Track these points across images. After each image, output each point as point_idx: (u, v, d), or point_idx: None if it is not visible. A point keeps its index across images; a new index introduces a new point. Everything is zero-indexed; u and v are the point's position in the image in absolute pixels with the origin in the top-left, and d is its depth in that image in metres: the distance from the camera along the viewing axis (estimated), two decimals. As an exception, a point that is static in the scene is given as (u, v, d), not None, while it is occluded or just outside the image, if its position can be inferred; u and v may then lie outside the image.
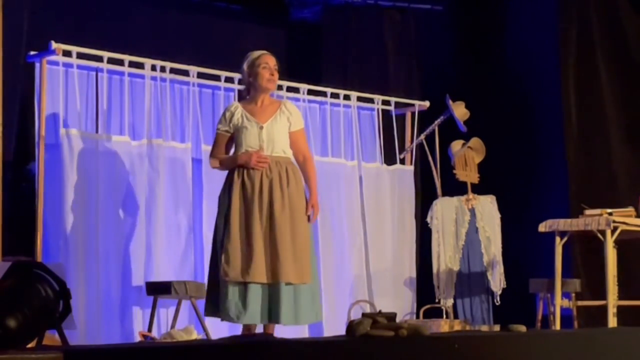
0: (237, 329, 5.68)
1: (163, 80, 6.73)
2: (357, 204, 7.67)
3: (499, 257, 7.32)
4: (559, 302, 6.80)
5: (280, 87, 7.08)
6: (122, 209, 6.42)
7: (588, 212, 6.76)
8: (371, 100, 7.97)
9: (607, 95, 8.30)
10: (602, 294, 6.67)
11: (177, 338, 5.43)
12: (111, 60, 6.46)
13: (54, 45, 6.13)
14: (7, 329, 3.86)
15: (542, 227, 6.81)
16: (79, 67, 6.36)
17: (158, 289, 6.16)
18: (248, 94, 5.77)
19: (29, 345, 4.08)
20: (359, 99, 7.89)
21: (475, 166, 7.48)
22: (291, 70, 7.46)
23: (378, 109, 7.98)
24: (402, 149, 7.96)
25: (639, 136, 8.31)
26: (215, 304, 5.49)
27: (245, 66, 5.71)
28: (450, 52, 8.96)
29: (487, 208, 7.39)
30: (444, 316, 7.25)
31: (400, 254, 7.86)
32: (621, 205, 7.00)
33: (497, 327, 6.75)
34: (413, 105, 8.11)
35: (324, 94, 7.66)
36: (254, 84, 5.69)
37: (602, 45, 8.33)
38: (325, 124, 7.67)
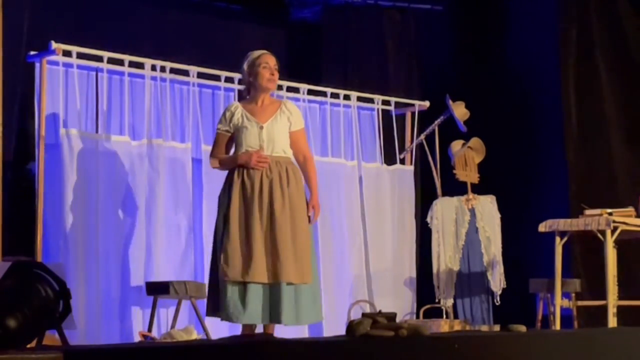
0: (237, 329, 5.68)
1: (163, 80, 6.73)
2: (357, 204, 7.67)
3: (499, 257, 7.32)
4: (559, 302, 6.80)
5: (280, 87, 7.08)
6: (122, 209, 6.42)
7: (588, 212, 6.76)
8: (371, 100, 7.97)
9: (607, 95, 8.30)
10: (602, 294, 6.67)
11: (177, 338, 5.43)
12: (111, 60, 6.46)
13: (54, 45, 6.13)
14: (7, 329, 3.86)
15: (542, 227, 6.81)
16: (79, 67, 6.36)
17: (158, 289, 6.16)
18: (248, 94, 5.77)
19: (29, 345, 4.08)
20: (359, 99, 7.89)
21: (475, 166, 7.48)
22: (291, 70, 7.47)
23: (378, 109, 7.98)
24: (402, 149, 7.96)
25: (639, 136, 8.31)
26: (215, 304, 5.49)
27: (245, 66, 5.71)
28: (450, 52, 8.96)
29: (487, 208, 7.39)
30: (444, 316, 7.25)
31: (400, 254, 7.86)
32: (621, 205, 7.00)
33: (497, 327, 6.75)
34: (413, 105, 8.11)
35: (324, 94, 7.66)
36: (254, 84, 5.68)
37: (602, 45, 8.33)
38: (325, 124, 7.67)
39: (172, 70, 6.76)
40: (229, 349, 3.99)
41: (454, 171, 7.38)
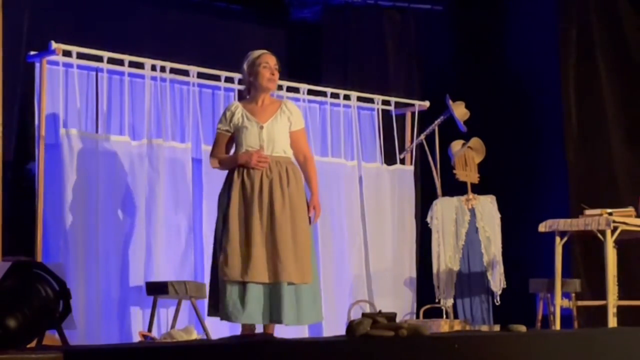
0: (237, 329, 5.68)
1: (163, 80, 6.73)
2: (357, 204, 7.67)
3: (499, 257, 7.32)
4: (559, 302, 6.80)
5: (280, 87, 7.08)
6: (122, 209, 6.42)
7: (588, 212, 6.76)
8: (371, 100, 7.97)
9: (607, 95, 8.30)
10: (602, 294, 6.67)
11: (177, 338, 5.43)
12: (111, 60, 6.46)
13: (54, 45, 6.13)
14: (7, 329, 3.86)
15: (542, 227, 6.81)
16: (79, 67, 6.36)
17: (158, 289, 6.16)
18: (248, 94, 5.76)
19: (29, 345, 4.08)
20: (359, 99, 7.89)
21: (475, 166, 7.48)
22: (291, 70, 7.47)
23: (378, 109, 7.98)
24: (402, 149, 7.96)
25: (639, 136, 8.31)
26: (216, 304, 5.49)
27: (245, 66, 5.71)
28: (450, 52, 8.96)
29: (487, 208, 7.39)
30: (444, 316, 7.25)
31: (400, 254, 7.86)
32: (621, 205, 7.00)
33: (497, 327, 6.75)
34: (413, 105, 8.11)
35: (324, 94, 7.66)
36: (255, 84, 5.68)
37: (602, 45, 8.33)
38: (325, 124, 7.67)
39: (172, 70, 6.76)
40: (229, 349, 3.99)
41: (454, 171, 7.38)
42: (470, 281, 7.38)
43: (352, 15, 8.63)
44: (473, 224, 7.38)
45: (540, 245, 7.41)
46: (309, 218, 5.62)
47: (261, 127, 5.59)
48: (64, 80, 6.31)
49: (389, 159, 7.98)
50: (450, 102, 7.36)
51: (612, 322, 6.60)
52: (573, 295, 7.36)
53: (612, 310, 6.59)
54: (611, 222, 6.57)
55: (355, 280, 7.52)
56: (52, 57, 6.19)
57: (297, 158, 5.71)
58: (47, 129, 6.18)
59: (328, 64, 8.53)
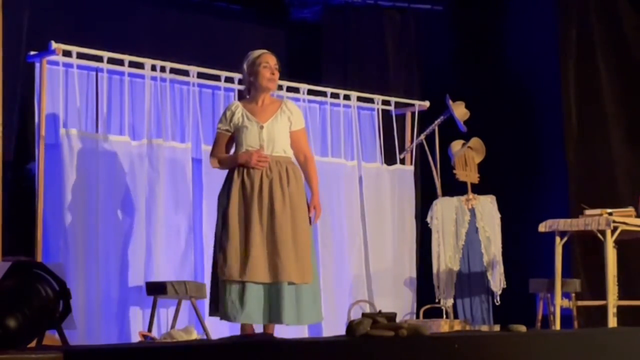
0: (238, 329, 5.68)
1: (163, 80, 6.72)
2: (357, 204, 7.67)
3: (499, 257, 7.32)
4: (559, 302, 6.80)
5: (280, 87, 7.08)
6: (122, 209, 6.42)
7: (588, 212, 6.76)
8: (371, 100, 7.97)
9: (607, 95, 8.30)
10: (602, 294, 6.67)
11: (177, 338, 5.43)
12: (111, 60, 6.46)
13: (54, 45, 6.13)
14: (7, 329, 3.85)
15: (542, 227, 6.81)
16: (79, 67, 6.36)
17: (158, 289, 6.16)
18: (248, 94, 5.76)
19: (29, 345, 4.08)
20: (359, 99, 7.89)
21: (475, 166, 7.48)
22: (291, 70, 7.46)
23: (378, 109, 7.98)
24: (402, 149, 7.96)
25: (639, 136, 8.31)
26: (216, 304, 5.50)
27: (245, 65, 5.71)
28: (450, 52, 8.96)
29: (487, 208, 7.39)
30: (444, 316, 7.25)
31: (400, 254, 7.86)
32: (621, 205, 7.00)
33: (497, 327, 6.75)
34: (413, 105, 8.11)
35: (324, 94, 7.66)
36: (255, 84, 5.68)
37: (602, 45, 8.33)
38: (325, 124, 7.67)
39: (172, 70, 6.76)
40: (229, 349, 3.99)
41: (454, 171, 7.38)
42: (470, 281, 7.38)
43: (352, 15, 8.63)
44: (473, 224, 7.38)
45: (540, 245, 7.41)
46: (310, 218, 5.61)
47: (261, 127, 5.59)
48: (64, 80, 6.31)
49: (389, 159, 7.97)
50: (450, 102, 7.36)
51: (612, 322, 6.60)
52: (573, 295, 7.36)
53: (612, 310, 6.59)
54: (611, 222, 6.57)
55: (355, 280, 7.52)
56: (52, 57, 6.19)
57: (298, 158, 5.71)
58: (47, 129, 6.18)
59: (328, 64, 8.53)
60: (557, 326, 6.82)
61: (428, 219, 7.50)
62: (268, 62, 5.66)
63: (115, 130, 6.52)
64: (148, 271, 6.43)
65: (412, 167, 8.04)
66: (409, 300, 7.81)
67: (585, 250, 7.80)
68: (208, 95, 7.05)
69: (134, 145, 6.51)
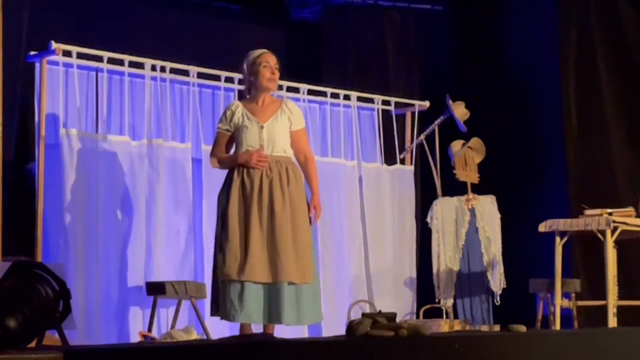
0: (238, 329, 5.68)
1: (163, 80, 6.72)
2: (357, 204, 7.67)
3: (499, 257, 7.32)
4: (559, 302, 6.80)
5: (280, 87, 7.07)
6: (122, 209, 6.42)
7: (588, 212, 6.76)
8: (371, 100, 7.97)
9: (607, 95, 8.30)
10: (602, 294, 6.67)
11: (177, 338, 5.43)
12: (111, 60, 6.46)
13: (54, 45, 6.13)
14: (7, 329, 3.85)
15: (542, 227, 6.81)
16: (79, 67, 6.36)
17: (158, 289, 6.16)
18: (249, 93, 5.76)
19: (29, 345, 4.07)
20: (359, 99, 7.89)
21: (475, 166, 7.48)
22: (291, 70, 7.46)
23: (378, 109, 7.98)
24: (402, 149, 7.96)
25: (639, 136, 8.31)
26: (216, 304, 5.50)
27: (245, 65, 5.70)
28: (450, 52, 8.95)
29: (487, 208, 7.39)
30: (444, 316, 7.25)
31: (400, 254, 7.86)
32: (621, 205, 7.00)
33: (497, 327, 6.75)
34: (413, 105, 8.11)
35: (324, 94, 7.66)
36: (255, 83, 5.68)
37: (602, 45, 8.33)
38: (325, 124, 7.67)
39: (172, 70, 6.76)
40: (229, 349, 3.99)
41: (454, 171, 7.38)
42: (470, 281, 7.38)
43: (352, 15, 8.63)
44: (473, 224, 7.38)
45: (540, 245, 7.40)
46: (310, 218, 5.61)
47: (261, 127, 5.59)
48: (64, 80, 6.31)
49: (389, 159, 7.97)
50: (450, 102, 7.36)
51: (612, 322, 6.60)
52: (573, 295, 7.36)
53: (612, 310, 6.59)
54: (611, 222, 6.57)
55: (355, 280, 7.52)
56: (52, 57, 6.19)
57: (298, 158, 5.70)
58: (47, 129, 6.18)
59: (328, 64, 8.53)
60: (557, 326, 6.82)
61: (428, 219, 7.50)
62: (268, 61, 5.66)
63: (115, 130, 6.52)
64: (148, 271, 6.43)
65: (412, 167, 8.04)
66: (409, 300, 7.81)
67: (585, 250, 7.80)
68: (208, 95, 7.05)
69: (134, 145, 6.51)
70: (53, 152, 6.20)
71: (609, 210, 6.68)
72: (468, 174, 7.40)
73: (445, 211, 7.40)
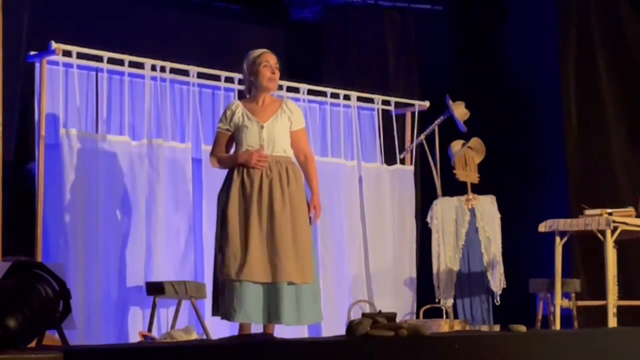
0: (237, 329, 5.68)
1: (163, 80, 6.72)
2: (357, 204, 7.67)
3: (499, 257, 7.32)
4: (559, 302, 6.80)
5: (280, 87, 7.07)
6: (122, 209, 6.42)
7: (588, 212, 6.76)
8: (371, 100, 7.97)
9: (607, 95, 8.30)
10: (602, 294, 6.67)
11: (177, 338, 5.43)
12: (111, 60, 6.46)
13: (54, 45, 6.13)
14: (7, 329, 3.85)
15: (542, 227, 6.81)
16: (79, 67, 6.36)
17: (158, 289, 6.16)
18: (249, 93, 5.76)
19: (29, 345, 4.07)
20: (359, 99, 7.89)
21: (475, 166, 7.48)
22: (291, 70, 7.46)
23: (378, 109, 7.98)
24: (402, 149, 7.96)
25: (639, 136, 8.31)
26: (217, 304, 5.50)
27: (245, 65, 5.70)
28: (450, 52, 8.96)
29: (487, 208, 7.39)
30: (444, 316, 7.25)
31: (400, 254, 7.85)
32: (621, 205, 7.00)
33: (497, 327, 6.75)
34: (413, 105, 8.11)
35: (324, 94, 7.66)
36: (255, 83, 5.67)
37: (602, 45, 8.33)
38: (325, 124, 7.67)
39: (172, 70, 6.76)
40: (229, 349, 3.99)
41: (454, 171, 7.38)
42: (470, 281, 7.38)
43: (352, 15, 8.63)
44: (473, 224, 7.38)
45: (540, 245, 7.41)
46: (310, 218, 5.61)
47: (261, 127, 5.59)
48: (64, 80, 6.31)
49: (389, 159, 7.97)
50: (450, 102, 7.37)
51: (612, 322, 6.60)
52: (573, 295, 7.36)
53: (612, 310, 6.59)
54: (611, 222, 6.57)
55: (355, 280, 7.52)
56: (52, 57, 6.19)
57: (298, 157, 5.70)
58: (47, 129, 6.18)
59: (328, 64, 8.53)
60: (557, 326, 6.82)
61: (428, 219, 7.50)
62: (268, 61, 5.66)
63: (115, 130, 6.52)
64: (148, 271, 6.43)
65: (412, 167, 8.04)
66: (409, 300, 7.81)
67: (585, 250, 7.80)
68: (208, 95, 7.05)
69: (134, 145, 6.51)
70: (53, 152, 6.20)
71: (609, 210, 6.68)
72: (468, 174, 7.40)
73: (445, 211, 7.40)
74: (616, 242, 6.69)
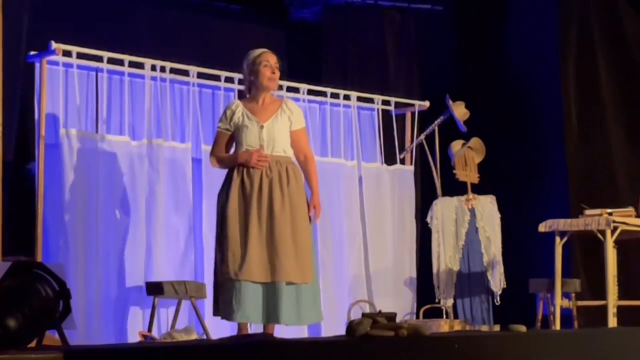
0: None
1: (163, 80, 6.72)
2: (357, 204, 7.67)
3: (499, 257, 7.32)
4: (559, 302, 6.80)
5: (280, 87, 7.07)
6: (122, 209, 6.42)
7: (588, 212, 6.76)
8: (371, 100, 7.97)
9: (607, 95, 8.30)
10: (602, 294, 6.67)
11: (177, 338, 5.43)
12: (111, 60, 6.46)
13: (54, 45, 6.13)
14: (7, 329, 3.85)
15: (542, 227, 6.81)
16: (79, 67, 6.36)
17: (158, 289, 6.16)
18: (249, 93, 5.76)
19: (29, 345, 4.07)
20: (359, 99, 7.89)
21: (475, 166, 7.48)
22: (291, 70, 7.47)
23: (378, 109, 7.98)
24: (402, 149, 7.96)
25: (639, 136, 8.31)
26: (217, 303, 5.50)
27: (246, 64, 5.69)
28: (450, 52, 8.95)
29: (487, 208, 7.39)
30: (444, 316, 7.25)
31: (400, 254, 7.85)
32: (621, 205, 7.00)
33: (497, 327, 6.75)
34: (413, 105, 8.11)
35: (324, 94, 7.66)
36: (255, 83, 5.67)
37: (602, 45, 8.33)
38: (325, 124, 7.67)
39: (172, 70, 6.76)
40: (229, 349, 3.99)
41: (454, 171, 7.38)
42: (470, 281, 7.38)
43: (352, 15, 8.63)
44: (473, 224, 7.38)
45: (540, 245, 7.41)
46: (309, 217, 5.61)
47: (261, 127, 5.59)
48: (64, 80, 6.31)
49: (389, 159, 7.97)
50: (450, 102, 7.37)
51: (612, 322, 6.60)
52: (573, 295, 7.36)
53: (612, 310, 6.59)
54: (611, 222, 6.57)
55: (355, 280, 7.52)
56: (52, 57, 6.19)
57: (298, 157, 5.70)
58: (47, 129, 6.18)
59: (328, 64, 8.53)
60: (557, 326, 6.81)
61: (428, 219, 7.50)
62: (268, 60, 5.66)
63: (115, 130, 6.52)
64: (148, 271, 6.43)
65: (412, 167, 8.04)
66: (409, 300, 7.81)
67: (585, 250, 7.80)
68: (208, 95, 7.05)
69: (134, 145, 6.51)
70: (53, 152, 6.20)
71: (609, 210, 6.68)
72: (468, 174, 7.40)
73: (445, 211, 7.40)
74: (616, 242, 6.69)
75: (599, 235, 6.60)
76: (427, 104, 8.13)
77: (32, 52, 6.25)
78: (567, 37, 8.28)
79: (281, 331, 5.70)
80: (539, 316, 7.54)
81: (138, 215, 6.44)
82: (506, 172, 8.14)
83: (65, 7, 7.00)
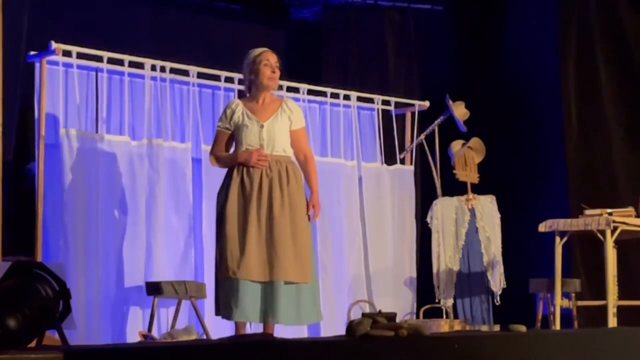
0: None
1: (163, 80, 6.72)
2: (357, 204, 7.67)
3: (499, 257, 7.32)
4: (559, 302, 6.80)
5: (280, 87, 7.07)
6: (122, 209, 6.42)
7: (588, 212, 6.76)
8: (371, 100, 7.97)
9: (607, 95, 8.30)
10: (602, 294, 6.67)
11: (177, 338, 5.43)
12: (111, 60, 6.46)
13: (54, 45, 6.13)
14: (7, 329, 3.85)
15: (542, 227, 6.81)
16: (79, 67, 6.36)
17: (157, 289, 6.16)
18: (249, 92, 5.75)
19: (29, 345, 4.07)
20: (359, 99, 7.89)
21: (475, 166, 7.49)
22: (291, 70, 7.46)
23: (378, 109, 7.98)
24: (402, 149, 7.96)
25: (639, 136, 8.31)
26: (217, 302, 5.50)
27: (246, 64, 5.69)
28: (450, 52, 8.96)
29: (487, 208, 7.39)
30: (444, 316, 7.25)
31: (400, 254, 7.85)
32: (621, 205, 7.00)
33: (497, 327, 6.75)
34: (413, 105, 8.11)
35: (324, 94, 7.66)
36: (255, 82, 5.67)
37: (602, 45, 8.33)
38: (325, 124, 7.67)
39: (172, 70, 6.76)
40: (228, 349, 3.99)
41: (454, 171, 7.38)
42: (470, 281, 7.38)
43: (352, 15, 8.63)
44: (473, 224, 7.38)
45: (540, 245, 7.41)
46: (309, 216, 5.61)
47: (261, 126, 5.59)
48: (64, 80, 6.31)
49: (389, 159, 7.97)
50: (450, 102, 7.37)
51: (612, 322, 6.60)
52: (573, 295, 7.36)
53: (612, 310, 6.59)
54: (611, 222, 6.57)
55: (355, 280, 7.52)
56: (52, 57, 6.19)
57: (298, 157, 5.70)
58: (47, 129, 6.18)
59: (328, 64, 8.53)
60: (557, 326, 6.81)
61: (428, 219, 7.50)
62: (269, 60, 5.65)
63: (115, 130, 6.52)
64: (148, 271, 6.43)
65: (412, 167, 8.04)
66: (409, 300, 7.81)
67: (585, 250, 7.80)
68: (208, 95, 7.05)
69: (134, 145, 6.51)
70: (53, 152, 6.20)
71: (609, 210, 6.68)
72: (468, 174, 7.40)
73: (445, 211, 7.40)
74: (616, 242, 6.69)
75: (599, 235, 6.61)
76: (427, 104, 8.13)
77: (32, 52, 6.25)
78: (567, 37, 8.28)
79: (281, 331, 5.70)
80: (539, 316, 7.54)
81: (138, 215, 6.44)
82: (506, 172, 8.14)
83: (65, 7, 7.01)
